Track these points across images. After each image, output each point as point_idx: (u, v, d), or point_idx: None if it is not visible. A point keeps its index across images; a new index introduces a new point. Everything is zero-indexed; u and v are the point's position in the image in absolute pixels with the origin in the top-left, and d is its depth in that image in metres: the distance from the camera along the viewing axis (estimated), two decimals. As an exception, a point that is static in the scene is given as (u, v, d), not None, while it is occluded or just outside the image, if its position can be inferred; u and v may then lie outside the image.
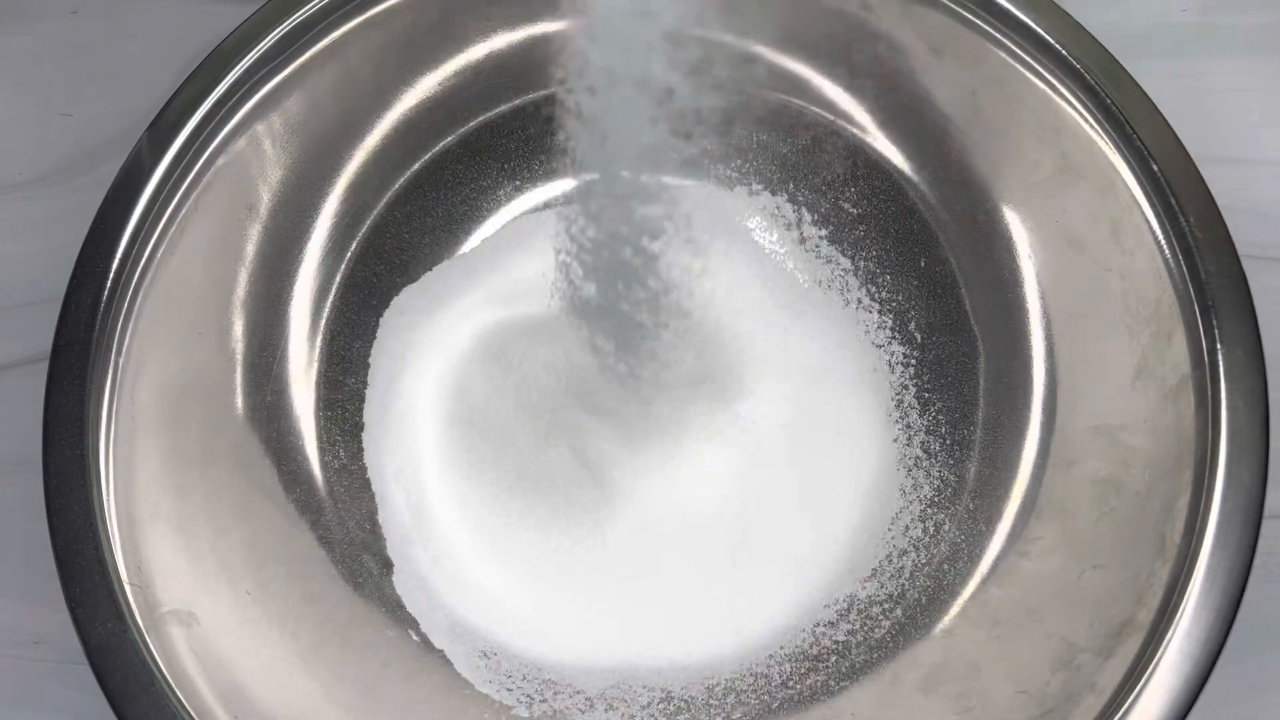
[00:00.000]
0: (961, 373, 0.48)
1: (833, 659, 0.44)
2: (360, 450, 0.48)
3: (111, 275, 0.43)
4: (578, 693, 0.44)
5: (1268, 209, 0.52)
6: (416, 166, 0.50)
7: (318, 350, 0.48)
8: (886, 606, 0.45)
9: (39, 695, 0.46)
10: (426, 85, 0.50)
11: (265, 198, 0.48)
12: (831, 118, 0.50)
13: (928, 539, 0.46)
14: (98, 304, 0.43)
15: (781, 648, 0.44)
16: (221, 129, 0.46)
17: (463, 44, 0.50)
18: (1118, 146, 0.45)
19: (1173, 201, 0.43)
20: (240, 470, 0.45)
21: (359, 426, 0.48)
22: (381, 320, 0.49)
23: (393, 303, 0.49)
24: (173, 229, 0.45)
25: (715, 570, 0.45)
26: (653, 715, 0.43)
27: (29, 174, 0.54)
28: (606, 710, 0.43)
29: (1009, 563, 0.45)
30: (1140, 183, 0.44)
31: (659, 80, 0.37)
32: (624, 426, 0.46)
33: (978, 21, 0.47)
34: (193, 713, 0.39)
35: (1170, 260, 0.43)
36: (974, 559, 0.45)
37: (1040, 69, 0.46)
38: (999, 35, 0.46)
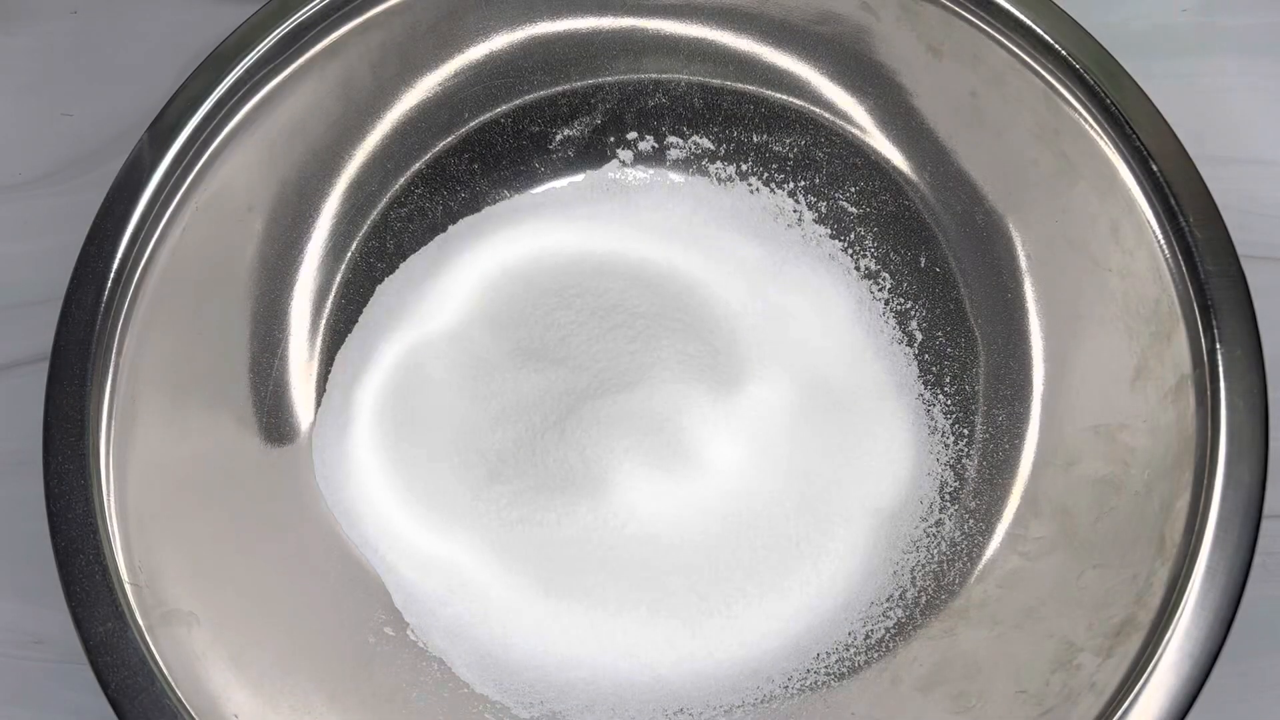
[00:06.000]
0: (961, 372, 0.48)
1: (832, 658, 0.44)
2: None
3: (111, 275, 0.43)
4: (578, 693, 0.44)
5: (1268, 209, 0.52)
6: (416, 166, 0.50)
7: (318, 350, 0.48)
8: (886, 606, 0.45)
9: (39, 695, 0.46)
10: (426, 85, 0.50)
11: (265, 198, 0.48)
12: (831, 118, 0.50)
13: (928, 538, 0.46)
14: (98, 304, 0.43)
15: (781, 647, 0.44)
16: (222, 129, 0.46)
17: (463, 44, 0.50)
18: (1117, 146, 0.44)
19: (1172, 201, 0.43)
20: (240, 470, 0.45)
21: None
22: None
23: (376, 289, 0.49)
24: (173, 229, 0.45)
25: (717, 569, 0.45)
26: (652, 716, 0.43)
27: (29, 174, 0.54)
28: (606, 711, 0.43)
29: (1009, 563, 0.45)
30: (1140, 183, 0.44)
31: None
32: (624, 426, 0.46)
33: (977, 22, 0.47)
34: (193, 713, 0.39)
35: (1170, 260, 0.43)
36: (974, 559, 0.45)
37: (1040, 69, 0.46)
38: (999, 35, 0.46)
